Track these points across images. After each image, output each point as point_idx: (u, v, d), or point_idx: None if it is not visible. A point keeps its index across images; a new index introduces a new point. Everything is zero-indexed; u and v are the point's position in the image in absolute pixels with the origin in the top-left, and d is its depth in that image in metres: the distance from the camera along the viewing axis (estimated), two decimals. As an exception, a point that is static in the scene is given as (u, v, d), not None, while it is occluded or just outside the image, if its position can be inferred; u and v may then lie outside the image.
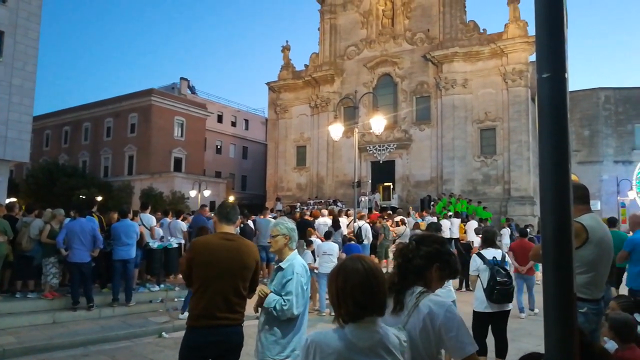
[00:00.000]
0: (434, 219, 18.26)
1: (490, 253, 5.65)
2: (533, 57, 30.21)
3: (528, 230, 21.03)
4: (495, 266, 5.45)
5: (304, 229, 12.49)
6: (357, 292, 1.81)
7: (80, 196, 32.22)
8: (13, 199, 26.65)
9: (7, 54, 21.78)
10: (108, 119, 45.55)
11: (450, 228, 16.44)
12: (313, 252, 10.52)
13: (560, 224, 1.46)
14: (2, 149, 21.62)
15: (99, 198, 31.74)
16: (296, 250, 3.69)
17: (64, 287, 9.59)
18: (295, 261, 3.52)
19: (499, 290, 5.31)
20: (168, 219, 12.18)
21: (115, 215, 10.36)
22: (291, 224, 3.67)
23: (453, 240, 15.48)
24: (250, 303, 3.55)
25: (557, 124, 1.51)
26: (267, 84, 38.03)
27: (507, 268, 5.68)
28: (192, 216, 12.74)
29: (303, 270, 3.51)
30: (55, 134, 50.23)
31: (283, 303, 3.33)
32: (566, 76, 1.52)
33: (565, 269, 1.45)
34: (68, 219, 9.41)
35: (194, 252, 3.39)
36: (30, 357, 6.81)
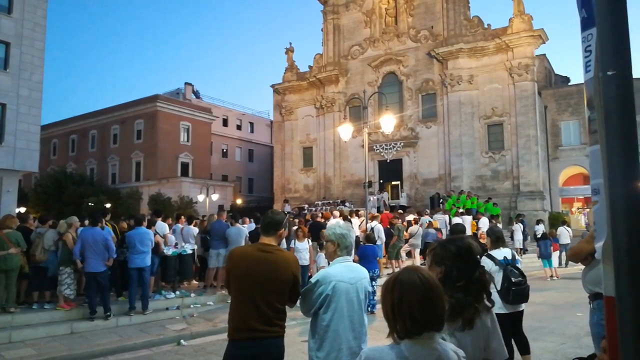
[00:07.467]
0: (445, 217, 18.23)
1: (500, 253, 5.49)
2: (538, 51, 30.02)
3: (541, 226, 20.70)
4: (507, 266, 5.33)
5: (317, 231, 12.46)
6: (415, 308, 1.69)
7: (90, 204, 32.31)
8: (22, 209, 26.79)
9: (13, 64, 21.80)
10: (114, 126, 45.74)
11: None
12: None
13: (633, 229, 1.39)
14: (11, 159, 21.69)
15: (108, 205, 31.86)
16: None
17: (81, 297, 9.58)
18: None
19: (515, 290, 5.18)
20: (180, 225, 12.10)
21: (126, 224, 10.33)
22: (340, 230, 3.35)
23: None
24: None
25: (624, 124, 1.43)
26: (272, 86, 38.03)
27: (519, 266, 5.57)
28: (210, 222, 12.29)
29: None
30: (62, 142, 50.51)
31: None
32: (631, 73, 1.45)
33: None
34: (82, 228, 9.39)
35: (231, 263, 3.36)
36: (51, 368, 6.80)
